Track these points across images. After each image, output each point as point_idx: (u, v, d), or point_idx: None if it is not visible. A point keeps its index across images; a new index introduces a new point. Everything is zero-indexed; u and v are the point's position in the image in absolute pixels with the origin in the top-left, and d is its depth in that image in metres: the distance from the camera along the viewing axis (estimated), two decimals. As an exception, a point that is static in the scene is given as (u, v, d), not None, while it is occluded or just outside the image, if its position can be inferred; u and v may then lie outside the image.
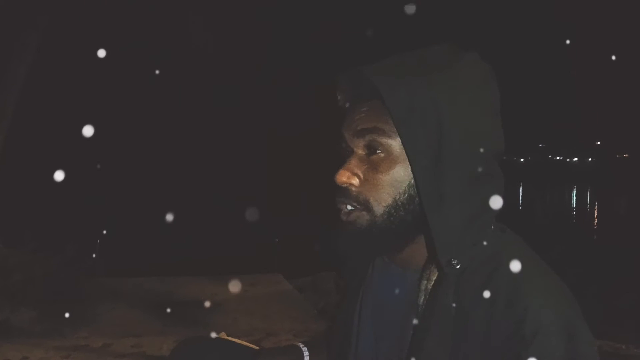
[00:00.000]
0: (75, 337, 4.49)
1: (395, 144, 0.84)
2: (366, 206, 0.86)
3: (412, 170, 0.83)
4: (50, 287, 5.14)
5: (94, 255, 6.76)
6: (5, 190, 9.62)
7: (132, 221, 12.18)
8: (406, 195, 0.85)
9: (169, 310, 4.28)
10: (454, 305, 0.81)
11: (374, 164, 0.86)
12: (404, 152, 0.83)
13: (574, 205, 35.73)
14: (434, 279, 0.84)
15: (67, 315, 4.76)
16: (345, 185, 0.87)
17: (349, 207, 0.87)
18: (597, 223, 24.01)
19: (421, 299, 0.84)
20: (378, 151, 0.85)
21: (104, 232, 7.74)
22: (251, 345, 1.09)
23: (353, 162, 0.87)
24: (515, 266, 0.80)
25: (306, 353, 1.08)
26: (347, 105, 0.92)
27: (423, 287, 0.85)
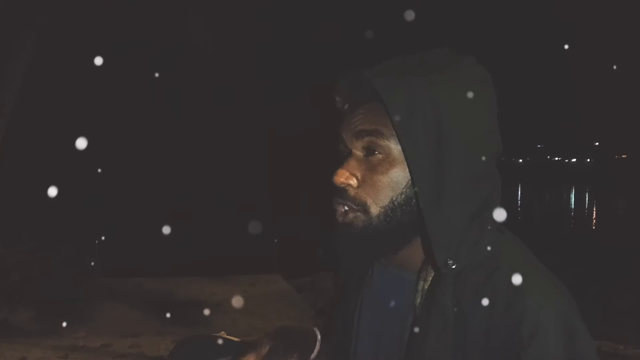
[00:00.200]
0: (74, 337, 4.48)
1: (393, 145, 0.85)
2: (363, 208, 0.86)
3: (410, 172, 0.83)
4: (49, 287, 5.13)
5: (92, 255, 6.76)
6: (3, 189, 9.61)
7: (131, 221, 12.18)
8: (403, 196, 0.85)
9: (168, 315, 4.29)
10: (451, 305, 0.81)
11: (372, 166, 0.86)
12: (402, 154, 0.84)
13: (573, 206, 35.78)
14: (430, 279, 0.85)
15: (65, 315, 4.75)
16: (342, 186, 0.87)
17: (346, 208, 0.88)
18: (595, 224, 24.04)
19: (418, 300, 0.85)
20: (376, 152, 0.86)
21: (103, 232, 7.74)
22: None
23: (351, 163, 0.87)
24: (514, 267, 0.81)
25: (319, 337, 1.08)
26: (346, 107, 0.93)
27: (420, 288, 0.85)
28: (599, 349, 4.55)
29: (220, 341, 1.06)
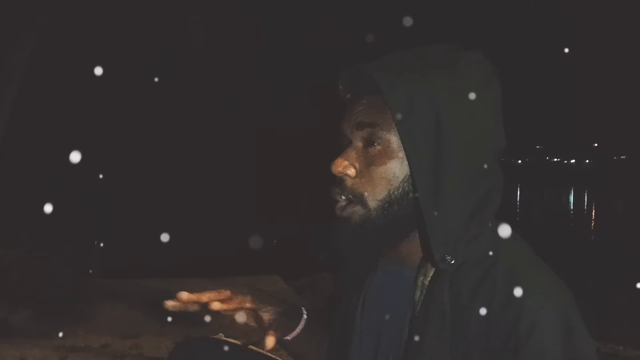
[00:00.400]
0: (73, 337, 4.48)
1: (393, 138, 0.85)
2: (360, 200, 0.87)
3: (409, 166, 0.84)
4: (48, 287, 5.13)
5: (92, 255, 6.76)
6: (2, 189, 9.60)
7: (130, 221, 12.17)
8: (400, 190, 0.86)
9: (170, 318, 4.28)
10: (448, 302, 0.81)
11: (371, 157, 0.87)
12: (402, 148, 0.84)
13: (572, 206, 35.78)
14: (430, 275, 0.85)
15: (64, 315, 4.75)
16: (340, 175, 0.87)
17: (344, 199, 0.88)
18: (594, 224, 24.04)
19: (417, 296, 0.85)
20: (376, 144, 0.87)
21: (102, 231, 7.74)
22: (251, 347, 1.09)
23: (350, 154, 0.88)
24: (513, 264, 0.81)
25: (305, 316, 1.08)
26: (348, 96, 0.93)
27: (419, 284, 0.85)
28: (598, 350, 4.55)
29: (219, 343, 1.06)
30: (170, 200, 18.13)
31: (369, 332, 0.94)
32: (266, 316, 0.99)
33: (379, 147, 0.85)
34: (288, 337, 1.04)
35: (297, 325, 1.04)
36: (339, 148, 0.90)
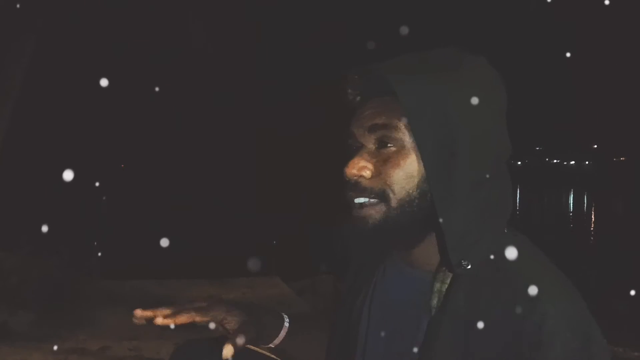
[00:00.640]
0: (73, 340, 4.48)
1: (406, 139, 0.84)
2: (383, 196, 0.85)
3: (425, 166, 0.83)
4: (48, 290, 5.12)
5: (91, 258, 6.75)
6: (1, 192, 9.60)
7: (130, 224, 12.17)
8: (418, 190, 0.85)
9: (172, 326, 4.27)
10: (465, 307, 0.80)
11: (385, 158, 0.86)
12: (415, 148, 0.83)
13: (571, 208, 35.78)
14: (447, 280, 0.84)
15: (64, 318, 4.75)
16: (355, 178, 0.85)
17: (364, 201, 0.85)
18: (594, 226, 24.04)
19: (434, 301, 0.84)
20: (389, 145, 0.85)
21: (102, 234, 7.74)
22: (252, 348, 1.09)
23: (363, 155, 0.86)
24: (532, 270, 0.80)
25: (287, 320, 1.07)
26: (357, 99, 0.92)
27: (436, 289, 0.85)
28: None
29: (219, 344, 1.05)
30: (170, 202, 18.13)
31: (377, 335, 0.93)
32: (230, 326, 0.98)
33: (392, 149, 0.84)
34: (271, 345, 1.04)
35: (278, 333, 1.03)
36: (348, 152, 0.88)
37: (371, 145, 0.86)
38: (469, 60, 0.86)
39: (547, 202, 39.59)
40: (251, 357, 1.07)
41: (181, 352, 1.08)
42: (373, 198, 0.85)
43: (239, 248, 9.74)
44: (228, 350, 0.91)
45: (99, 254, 7.18)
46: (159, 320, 0.93)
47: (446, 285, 0.84)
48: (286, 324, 1.05)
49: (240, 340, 0.94)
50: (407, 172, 0.83)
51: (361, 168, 0.85)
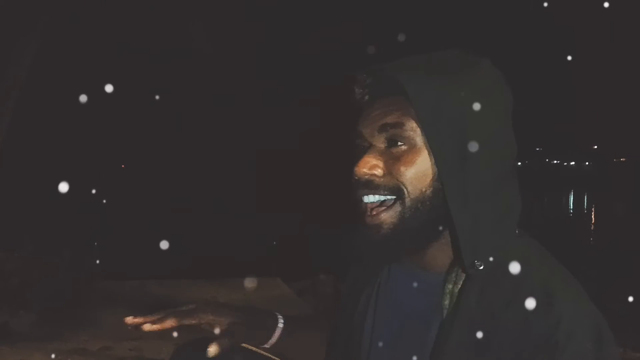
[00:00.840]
0: (75, 340, 4.48)
1: (417, 138, 0.83)
2: (397, 192, 0.83)
3: (437, 165, 0.82)
4: (49, 291, 5.13)
5: (92, 259, 6.76)
6: (3, 193, 9.60)
7: (131, 224, 12.17)
8: (432, 189, 0.83)
9: (175, 334, 4.27)
10: (477, 308, 0.80)
11: (396, 156, 0.84)
12: (426, 146, 0.83)
13: (572, 208, 35.74)
14: (460, 281, 0.84)
15: (66, 318, 4.75)
16: (366, 177, 0.84)
17: (378, 198, 0.84)
18: (594, 227, 24.02)
19: (446, 302, 0.84)
20: (400, 144, 0.84)
21: (103, 235, 7.74)
22: (253, 349, 1.09)
23: (373, 153, 0.85)
24: (545, 272, 0.81)
25: (281, 321, 1.07)
26: (366, 98, 0.91)
27: (448, 290, 0.84)
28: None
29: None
30: (170, 202, 18.12)
31: (384, 335, 0.92)
32: (217, 327, 0.99)
33: (403, 147, 0.83)
34: (266, 345, 1.04)
35: (272, 334, 1.03)
36: (357, 152, 0.87)
37: (381, 145, 0.85)
38: (475, 61, 0.86)
39: (547, 202, 39.54)
40: (251, 357, 1.07)
41: (181, 352, 1.08)
42: (387, 194, 0.84)
43: (239, 248, 9.74)
44: (213, 349, 0.92)
45: (100, 254, 7.18)
46: (147, 327, 0.94)
47: (459, 287, 0.83)
48: (280, 325, 1.05)
49: (225, 342, 0.95)
50: (419, 170, 0.82)
51: (372, 167, 0.84)
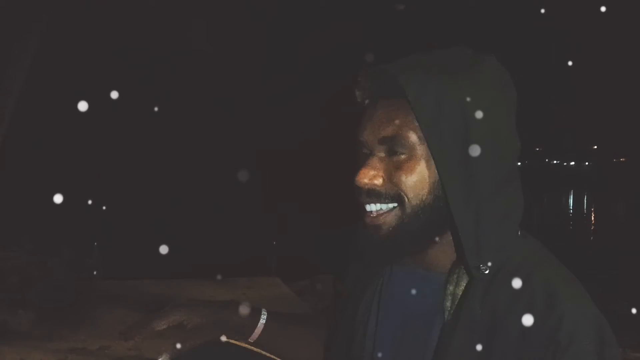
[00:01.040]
0: (73, 339, 4.48)
1: (418, 144, 0.82)
2: (398, 199, 0.83)
3: (438, 171, 0.82)
4: (48, 290, 5.13)
5: (91, 258, 6.76)
6: (2, 192, 9.60)
7: (130, 224, 12.17)
8: (432, 195, 0.83)
9: (178, 345, 4.29)
10: (480, 310, 0.80)
11: (397, 165, 0.84)
12: (427, 153, 0.82)
13: (571, 209, 35.78)
14: (462, 282, 0.83)
15: (64, 317, 4.75)
16: (367, 186, 0.85)
17: (379, 206, 0.85)
18: (594, 227, 24.04)
19: (448, 303, 0.83)
20: (399, 153, 0.84)
21: (102, 234, 7.73)
22: (237, 343, 1.09)
23: (374, 163, 0.85)
24: (548, 273, 0.80)
25: (263, 317, 1.06)
26: (367, 102, 0.90)
27: (450, 292, 0.84)
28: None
29: (224, 346, 1.05)
30: (170, 202, 18.13)
31: (387, 338, 0.92)
32: (189, 327, 1.00)
33: (403, 156, 0.83)
34: (250, 340, 1.03)
35: (253, 330, 1.03)
36: (358, 157, 0.87)
37: (381, 153, 0.85)
38: (479, 60, 0.84)
39: (547, 203, 39.56)
40: (251, 357, 1.06)
41: (184, 353, 1.08)
42: (388, 202, 0.84)
43: (239, 248, 9.74)
44: (179, 347, 0.94)
45: (99, 254, 7.18)
46: (131, 341, 0.96)
47: (461, 288, 0.83)
48: (262, 321, 1.04)
49: (194, 340, 0.96)
50: (420, 178, 0.82)
51: (373, 177, 0.84)
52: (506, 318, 0.78)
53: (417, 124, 0.82)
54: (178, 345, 0.98)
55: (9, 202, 9.89)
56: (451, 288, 0.84)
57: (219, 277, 6.25)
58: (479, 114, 0.80)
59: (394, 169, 0.84)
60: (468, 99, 0.80)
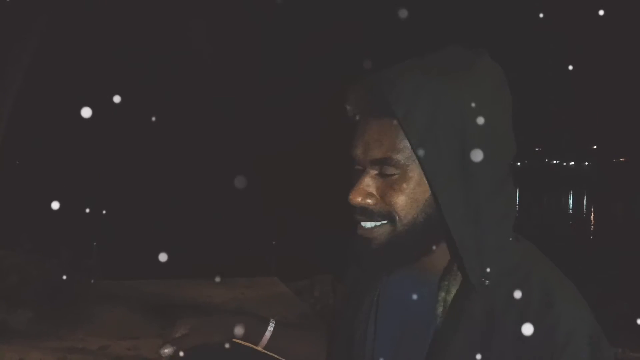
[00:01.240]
0: (72, 339, 4.48)
1: (410, 162, 0.82)
2: (390, 217, 0.84)
3: (432, 189, 0.81)
4: (47, 289, 5.13)
5: (90, 258, 6.76)
6: (2, 192, 9.60)
7: (129, 224, 12.17)
8: (425, 212, 0.83)
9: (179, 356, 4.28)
10: (479, 314, 0.80)
11: (389, 183, 0.83)
12: (420, 170, 0.82)
13: (571, 209, 35.81)
14: (453, 289, 0.83)
15: (63, 317, 4.75)
16: (359, 205, 0.85)
17: (373, 224, 0.85)
18: (594, 227, 24.05)
19: (439, 310, 0.83)
20: (391, 172, 0.83)
21: (101, 234, 7.73)
22: (260, 350, 1.08)
23: (366, 181, 0.85)
24: (543, 276, 0.80)
25: (272, 324, 1.07)
26: (357, 117, 0.89)
27: (441, 298, 0.84)
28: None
29: (228, 346, 1.05)
30: (169, 202, 18.14)
31: (385, 339, 0.92)
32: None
33: (395, 176, 0.83)
34: (257, 347, 1.04)
35: (262, 336, 1.04)
36: (347, 162, 0.87)
37: (374, 171, 0.85)
38: (473, 62, 0.83)
39: (546, 203, 39.59)
40: (257, 357, 1.06)
41: (188, 353, 1.07)
42: (380, 220, 0.84)
43: (238, 248, 9.75)
44: (168, 350, 0.94)
45: (98, 253, 7.18)
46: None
47: (451, 295, 0.83)
48: (270, 328, 1.05)
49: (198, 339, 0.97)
50: (411, 198, 0.82)
51: (365, 196, 0.84)
52: (503, 320, 0.78)
53: (407, 144, 0.81)
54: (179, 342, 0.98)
55: (8, 201, 9.89)
56: (442, 294, 0.84)
57: (217, 279, 6.26)
58: (477, 119, 0.79)
59: (386, 188, 0.84)
60: (465, 104, 0.79)
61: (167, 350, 0.95)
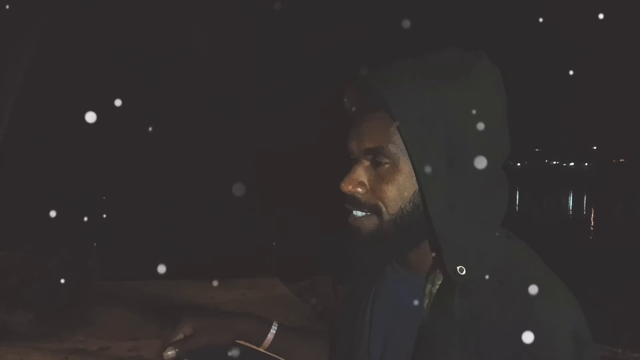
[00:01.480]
0: (73, 340, 4.48)
1: (401, 154, 0.84)
2: (376, 210, 0.86)
3: (418, 181, 0.83)
4: (47, 290, 5.13)
5: (91, 259, 6.76)
6: (2, 193, 9.60)
7: (129, 225, 12.17)
8: (411, 204, 0.85)
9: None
10: (459, 312, 0.81)
11: (380, 174, 0.86)
12: (410, 163, 0.84)
13: (571, 209, 35.82)
14: (438, 282, 0.85)
15: (64, 318, 4.75)
16: (350, 194, 0.88)
17: (359, 213, 0.88)
18: (593, 228, 24.06)
19: (426, 303, 0.85)
20: (383, 163, 0.86)
21: (101, 235, 7.74)
22: (263, 351, 1.09)
23: (358, 172, 0.88)
24: (526, 274, 0.81)
25: (275, 326, 1.08)
26: (353, 109, 0.92)
27: (427, 291, 0.85)
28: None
29: (231, 347, 1.05)
30: (169, 203, 18.14)
31: (377, 337, 0.94)
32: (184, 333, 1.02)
33: (387, 166, 0.85)
34: (260, 349, 1.05)
35: (264, 338, 1.05)
36: (347, 162, 0.89)
37: (367, 162, 0.88)
38: (473, 62, 0.83)
39: (546, 203, 39.60)
40: (252, 357, 1.07)
41: (191, 353, 1.08)
42: (367, 211, 0.87)
43: (239, 249, 9.75)
44: (170, 352, 0.95)
45: (98, 254, 7.18)
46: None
47: (436, 287, 0.84)
48: (273, 330, 1.06)
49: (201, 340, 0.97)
50: (399, 189, 0.85)
51: (356, 185, 0.87)
52: (483, 318, 0.79)
53: (399, 136, 0.83)
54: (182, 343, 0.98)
55: (8, 202, 9.89)
56: (429, 287, 0.85)
57: (215, 283, 6.26)
58: (463, 121, 0.81)
59: (377, 179, 0.87)
60: (452, 106, 0.81)
61: (170, 353, 0.96)
